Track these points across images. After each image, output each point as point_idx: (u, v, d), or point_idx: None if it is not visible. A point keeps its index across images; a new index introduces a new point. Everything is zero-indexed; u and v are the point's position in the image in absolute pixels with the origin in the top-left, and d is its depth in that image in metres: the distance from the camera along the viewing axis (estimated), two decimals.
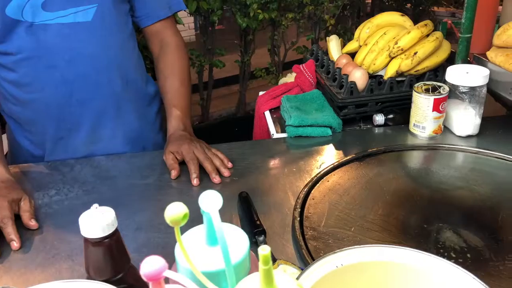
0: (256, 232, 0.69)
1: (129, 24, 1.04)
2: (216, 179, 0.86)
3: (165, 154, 0.92)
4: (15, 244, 0.71)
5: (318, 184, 0.83)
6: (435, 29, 1.10)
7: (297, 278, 0.44)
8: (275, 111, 1.18)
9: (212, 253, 0.37)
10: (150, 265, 0.28)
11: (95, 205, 0.47)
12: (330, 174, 0.86)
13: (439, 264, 0.45)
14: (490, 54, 0.99)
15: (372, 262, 0.47)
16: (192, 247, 0.37)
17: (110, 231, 0.47)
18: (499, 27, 1.02)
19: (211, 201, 0.34)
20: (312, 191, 0.80)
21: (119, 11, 0.99)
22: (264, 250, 0.29)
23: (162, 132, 1.15)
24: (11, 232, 0.72)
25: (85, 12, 0.93)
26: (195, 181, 0.86)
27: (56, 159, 1.00)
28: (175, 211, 0.31)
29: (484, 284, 0.42)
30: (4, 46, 0.91)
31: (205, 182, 0.87)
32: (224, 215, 0.37)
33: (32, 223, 0.75)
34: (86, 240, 0.48)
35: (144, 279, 0.28)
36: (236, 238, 0.38)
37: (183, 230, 0.40)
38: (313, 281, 0.44)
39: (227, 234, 0.38)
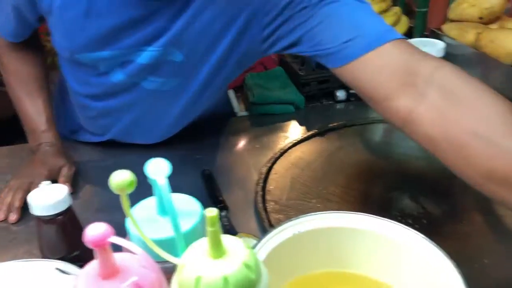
0: (218, 208, 0.69)
1: None
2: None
3: None
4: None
5: (280, 159, 0.83)
6: (393, 5, 1.11)
7: (255, 246, 0.44)
8: (238, 89, 1.18)
9: (163, 222, 0.37)
10: (94, 231, 0.27)
11: (45, 183, 0.46)
12: (292, 149, 0.86)
13: (394, 228, 0.46)
14: (446, 27, 1.01)
15: (329, 228, 0.47)
16: (143, 217, 0.37)
17: (63, 208, 0.46)
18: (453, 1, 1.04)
19: (158, 168, 0.33)
20: (274, 166, 0.81)
21: None
22: (210, 212, 0.29)
23: None
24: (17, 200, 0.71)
25: None
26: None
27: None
28: (120, 178, 0.30)
29: (437, 245, 0.43)
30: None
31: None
32: (187, 193, 0.38)
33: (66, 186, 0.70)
34: (38, 219, 0.47)
35: (89, 246, 0.28)
36: (189, 206, 0.38)
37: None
38: (270, 248, 0.45)
39: (180, 203, 0.38)
